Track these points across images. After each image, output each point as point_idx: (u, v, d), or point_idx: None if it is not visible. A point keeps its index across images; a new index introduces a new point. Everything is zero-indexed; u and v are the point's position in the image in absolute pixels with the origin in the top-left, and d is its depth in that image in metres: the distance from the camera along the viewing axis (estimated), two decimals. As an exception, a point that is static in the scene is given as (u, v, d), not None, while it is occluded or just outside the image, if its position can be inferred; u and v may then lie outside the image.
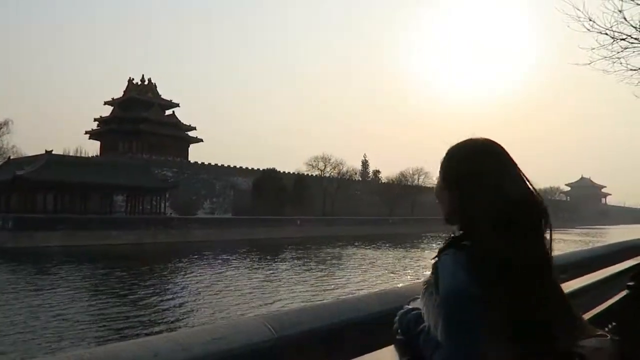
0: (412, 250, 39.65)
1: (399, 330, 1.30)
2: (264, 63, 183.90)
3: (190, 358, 1.37)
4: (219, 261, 28.81)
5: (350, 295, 1.99)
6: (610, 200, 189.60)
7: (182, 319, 14.35)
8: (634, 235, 5.83)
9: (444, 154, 1.21)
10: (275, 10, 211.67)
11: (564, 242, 48.27)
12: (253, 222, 52.35)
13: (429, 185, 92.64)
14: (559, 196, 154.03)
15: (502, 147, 1.18)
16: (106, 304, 16.05)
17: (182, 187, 55.69)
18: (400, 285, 2.06)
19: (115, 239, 37.70)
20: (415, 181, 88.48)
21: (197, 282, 20.89)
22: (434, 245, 47.01)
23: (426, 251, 39.29)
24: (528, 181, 1.13)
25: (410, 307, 1.32)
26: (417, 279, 23.38)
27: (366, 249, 40.47)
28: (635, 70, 12.57)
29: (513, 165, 1.15)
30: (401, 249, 40.14)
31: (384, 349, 1.32)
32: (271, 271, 24.74)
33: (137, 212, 50.56)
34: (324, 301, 1.90)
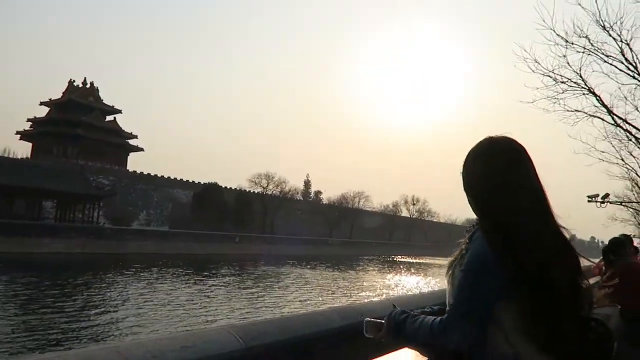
0: (348, 272, 40.26)
1: (389, 328, 1.35)
2: (210, 78, 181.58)
3: None
4: (152, 275, 27.93)
5: (313, 310, 2.21)
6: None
7: (101, 332, 13.87)
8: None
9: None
10: (223, 23, 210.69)
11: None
12: (191, 236, 51.10)
13: (368, 209, 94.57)
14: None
15: (518, 145, 1.32)
16: (21, 316, 15.21)
17: (118, 196, 53.58)
18: (358, 302, 2.39)
19: (40, 247, 35.40)
20: (356, 204, 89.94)
21: (123, 296, 20.20)
22: (369, 267, 47.99)
23: (360, 273, 40.05)
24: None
25: (368, 319, 1.47)
26: (368, 298, 23.57)
27: (303, 268, 40.64)
28: (572, 111, 13.90)
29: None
30: (337, 271, 40.64)
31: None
32: (204, 287, 24.28)
33: (67, 219, 47.94)
34: (290, 314, 2.09)
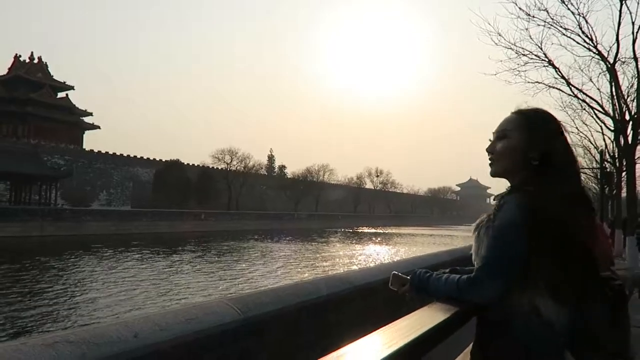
0: (312, 244, 40.70)
1: (413, 283, 1.48)
2: (172, 53, 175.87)
3: (168, 337, 1.59)
4: (115, 255, 27.37)
5: (303, 280, 2.28)
6: (493, 200, 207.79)
7: (68, 316, 13.61)
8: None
9: (515, 111, 1.45)
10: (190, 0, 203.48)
11: (456, 238, 52.44)
12: (154, 215, 50.17)
13: (333, 182, 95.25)
14: (450, 195, 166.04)
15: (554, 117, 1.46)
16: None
17: (75, 176, 51.80)
18: (342, 271, 2.45)
19: (-7, 231, 34.13)
20: (321, 177, 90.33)
21: (85, 279, 19.80)
22: (334, 239, 48.68)
23: (324, 245, 40.58)
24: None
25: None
26: (331, 268, 23.76)
27: (269, 242, 40.83)
28: (533, 83, 14.31)
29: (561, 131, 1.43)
30: (302, 243, 41.02)
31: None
32: (169, 265, 24.08)
33: (23, 202, 46.10)
34: (282, 285, 2.16)
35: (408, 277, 1.51)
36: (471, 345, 1.45)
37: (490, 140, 1.49)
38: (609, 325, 1.33)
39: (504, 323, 1.31)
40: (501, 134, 1.44)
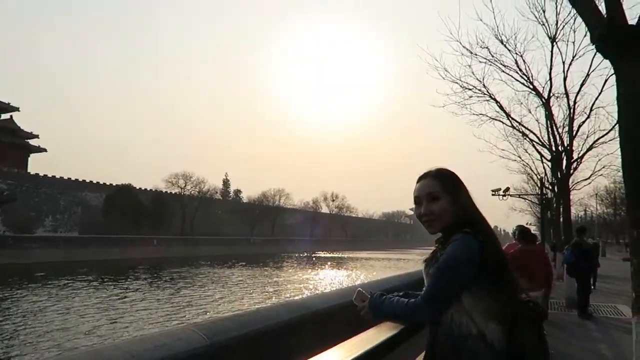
0: (267, 270, 40.38)
1: (370, 305, 1.70)
2: (120, 75, 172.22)
3: None
4: (59, 285, 26.17)
5: (264, 306, 2.43)
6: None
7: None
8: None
9: (431, 175, 1.70)
10: (133, 16, 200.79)
11: (409, 262, 53.34)
12: (104, 241, 48.42)
13: (289, 206, 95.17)
14: (404, 219, 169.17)
15: None
16: None
17: (19, 201, 49.39)
18: (299, 297, 2.63)
19: None
20: (277, 202, 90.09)
21: (36, 307, 18.92)
22: (289, 264, 48.47)
23: (278, 271, 40.35)
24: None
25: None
26: (284, 294, 23.52)
27: (223, 268, 40.18)
28: (477, 115, 15.19)
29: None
30: (257, 269, 40.65)
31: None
32: (117, 294, 23.24)
33: (-41, 229, 43.50)
34: (244, 310, 2.31)
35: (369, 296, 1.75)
36: None
37: (415, 205, 1.74)
38: (533, 341, 1.53)
39: (453, 348, 1.49)
40: (431, 196, 1.67)
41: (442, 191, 1.66)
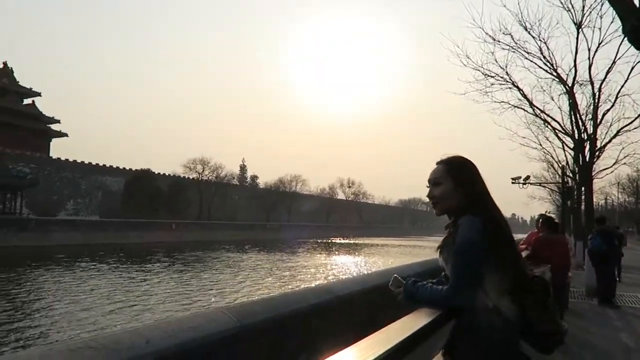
0: (283, 255, 40.58)
1: (405, 290, 1.79)
2: (144, 61, 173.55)
3: (175, 343, 1.77)
4: (81, 267, 26.81)
5: (291, 290, 2.47)
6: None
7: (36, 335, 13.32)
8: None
9: (439, 162, 1.83)
10: (152, 4, 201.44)
11: (425, 249, 53.22)
12: (123, 225, 49.20)
13: (305, 192, 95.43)
14: (420, 206, 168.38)
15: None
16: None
17: (41, 185, 50.43)
18: (325, 282, 2.67)
19: (-45, 242, 32.91)
20: (293, 188, 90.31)
21: (48, 291, 19.37)
22: (304, 250, 48.73)
23: (293, 256, 40.60)
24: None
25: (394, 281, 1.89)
26: (300, 280, 23.64)
27: (239, 253, 40.59)
28: (499, 103, 15.01)
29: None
30: (273, 254, 40.88)
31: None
32: (140, 276, 23.77)
33: (-15, 211, 44.63)
34: (273, 294, 2.37)
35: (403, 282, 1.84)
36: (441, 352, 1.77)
37: (428, 188, 1.85)
38: (542, 313, 1.66)
39: (471, 324, 1.61)
40: (435, 181, 1.81)
41: (445, 177, 1.79)
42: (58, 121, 62.71)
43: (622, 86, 13.77)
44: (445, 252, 1.72)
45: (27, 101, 60.12)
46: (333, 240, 72.56)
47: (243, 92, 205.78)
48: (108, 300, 17.50)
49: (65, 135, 63.94)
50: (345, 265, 34.53)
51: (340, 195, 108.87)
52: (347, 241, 72.26)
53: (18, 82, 59.36)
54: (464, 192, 1.75)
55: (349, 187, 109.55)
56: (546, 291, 1.73)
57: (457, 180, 1.78)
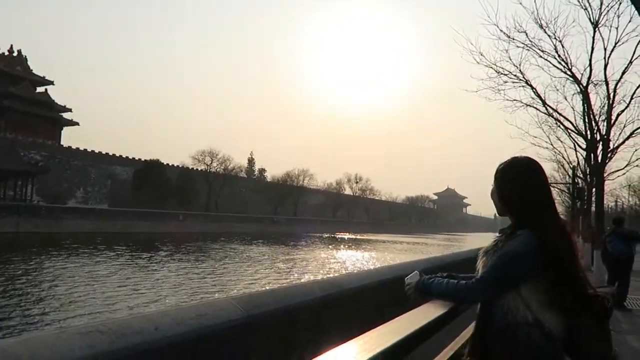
0: (292, 248, 40.67)
1: (417, 286, 1.80)
2: (155, 53, 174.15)
3: (183, 330, 1.79)
4: (89, 254, 27.07)
5: (298, 282, 2.49)
6: (469, 210, 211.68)
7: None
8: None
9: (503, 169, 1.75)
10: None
11: (430, 246, 53.11)
12: (133, 214, 49.60)
13: (313, 187, 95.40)
14: (427, 204, 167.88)
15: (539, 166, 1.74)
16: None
17: (52, 172, 50.91)
18: (332, 276, 2.69)
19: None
20: (301, 182, 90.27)
21: (66, 277, 19.61)
22: (311, 245, 48.80)
23: (301, 250, 40.62)
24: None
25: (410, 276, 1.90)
26: (307, 273, 23.51)
27: (246, 245, 40.72)
28: (511, 101, 14.88)
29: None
30: (281, 247, 41.00)
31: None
32: (149, 266, 23.98)
33: (-3, 197, 45.22)
34: (281, 286, 2.38)
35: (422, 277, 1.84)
36: (449, 347, 1.76)
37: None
38: (597, 334, 1.60)
39: (505, 333, 1.58)
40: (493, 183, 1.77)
41: (494, 181, 1.76)
42: (70, 110, 63.11)
43: (638, 87, 13.60)
44: (487, 258, 1.68)
45: (40, 89, 60.55)
46: (340, 236, 72.59)
47: (255, 85, 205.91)
48: (119, 287, 17.68)
49: (77, 124, 64.37)
50: (350, 259, 34.56)
51: (347, 191, 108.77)
52: (353, 236, 72.21)
53: (32, 70, 59.81)
54: (509, 202, 1.71)
55: (356, 182, 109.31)
56: (605, 312, 1.65)
57: (501, 190, 1.74)
